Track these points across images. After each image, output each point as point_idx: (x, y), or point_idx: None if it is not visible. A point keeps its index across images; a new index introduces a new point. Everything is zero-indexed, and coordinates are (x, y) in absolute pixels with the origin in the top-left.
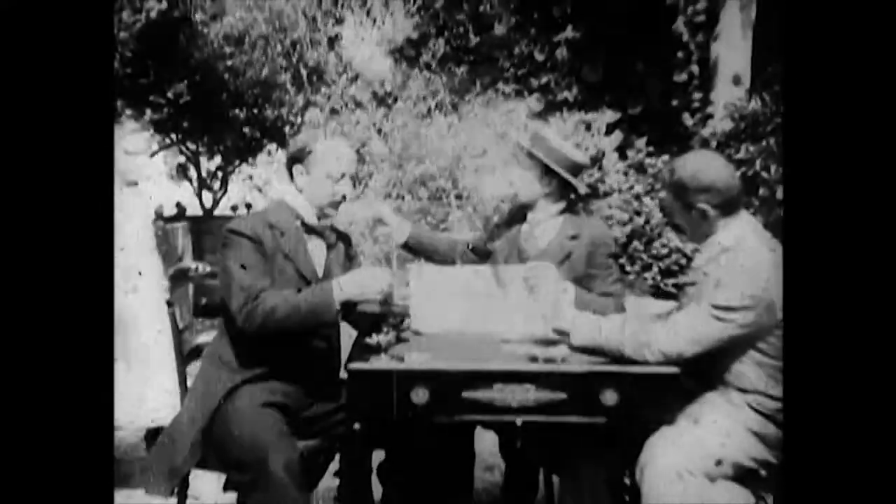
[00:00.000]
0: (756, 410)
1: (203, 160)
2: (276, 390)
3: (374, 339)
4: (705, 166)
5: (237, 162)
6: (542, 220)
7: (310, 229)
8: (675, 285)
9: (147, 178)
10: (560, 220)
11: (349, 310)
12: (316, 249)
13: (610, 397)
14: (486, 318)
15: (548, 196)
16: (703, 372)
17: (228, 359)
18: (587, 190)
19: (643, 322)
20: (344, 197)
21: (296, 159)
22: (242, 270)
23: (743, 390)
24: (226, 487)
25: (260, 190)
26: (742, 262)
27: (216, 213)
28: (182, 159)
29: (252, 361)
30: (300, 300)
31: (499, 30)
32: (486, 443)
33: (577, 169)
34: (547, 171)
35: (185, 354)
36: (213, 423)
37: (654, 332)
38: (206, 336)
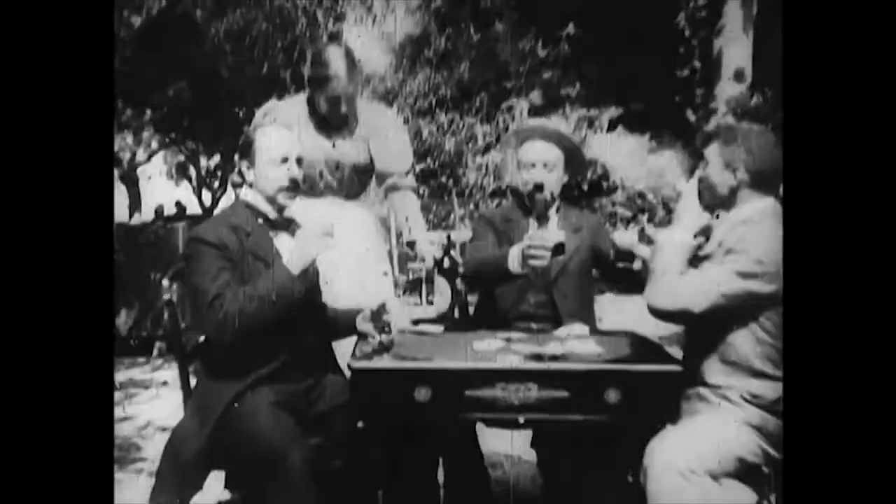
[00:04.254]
0: (753, 404)
1: (203, 159)
2: (280, 391)
3: (376, 338)
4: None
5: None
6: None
7: (273, 224)
8: (695, 258)
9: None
10: (559, 214)
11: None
12: (283, 245)
13: (613, 396)
14: None
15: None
16: (700, 337)
17: (219, 373)
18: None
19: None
20: (294, 181)
21: (242, 156)
22: (210, 282)
23: (732, 363)
24: (227, 485)
25: None
26: (754, 235)
27: (216, 211)
28: (182, 158)
29: (238, 369)
30: (262, 290)
31: (500, 26)
32: (492, 440)
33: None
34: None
35: (188, 354)
36: (220, 427)
37: (668, 283)
38: None
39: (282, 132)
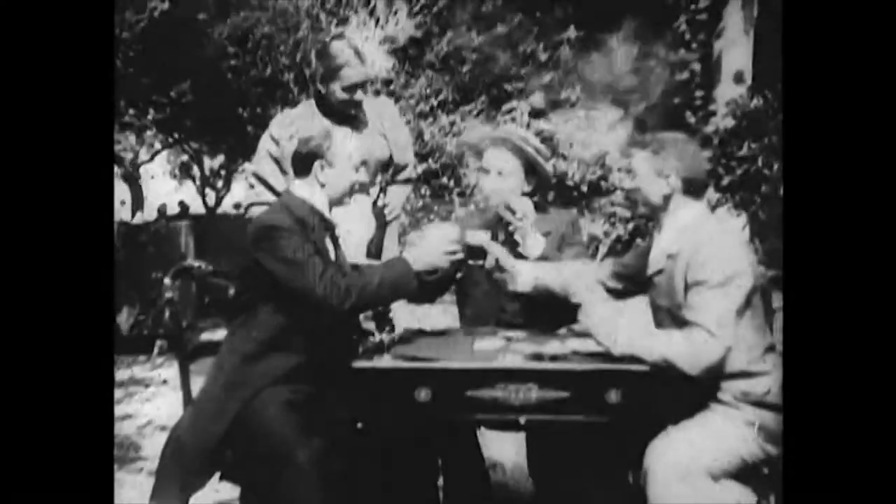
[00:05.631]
0: (747, 402)
1: (206, 159)
2: (294, 391)
3: (377, 338)
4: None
5: (240, 160)
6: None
7: (327, 225)
8: (641, 281)
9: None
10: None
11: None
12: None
13: (613, 396)
14: None
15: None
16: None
17: (252, 354)
18: (553, 178)
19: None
20: (360, 185)
21: (314, 155)
22: (312, 256)
23: (729, 376)
24: (223, 478)
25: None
26: (709, 235)
27: (219, 211)
28: (185, 158)
29: (278, 347)
30: (384, 274)
31: (501, 29)
32: (492, 441)
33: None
34: (528, 166)
35: (189, 353)
36: (236, 422)
37: (690, 345)
38: (210, 334)
39: (358, 137)
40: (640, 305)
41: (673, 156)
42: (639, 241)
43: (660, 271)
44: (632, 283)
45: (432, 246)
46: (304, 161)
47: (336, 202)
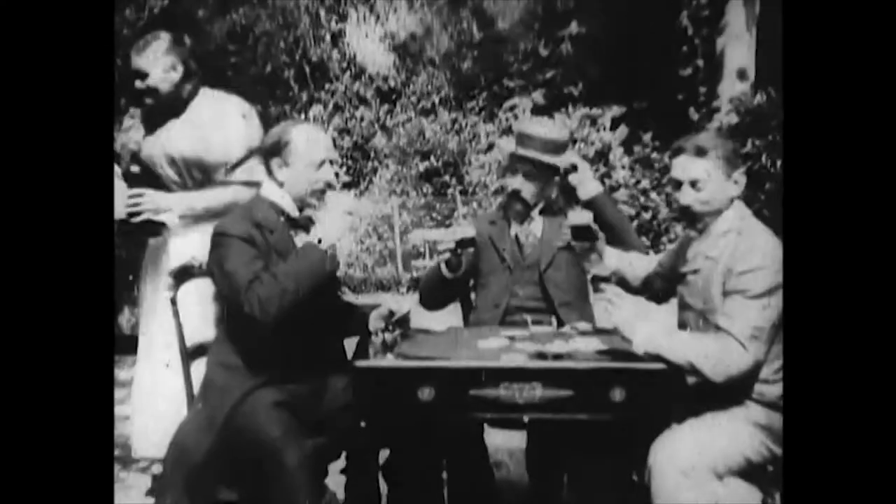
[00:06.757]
0: (757, 402)
1: None
2: (285, 390)
3: (379, 337)
4: None
5: None
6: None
7: (294, 223)
8: (673, 278)
9: None
10: (541, 221)
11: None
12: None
13: (618, 394)
14: None
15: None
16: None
17: (234, 364)
18: (574, 162)
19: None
20: (328, 184)
21: (272, 153)
22: (244, 268)
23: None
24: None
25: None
26: (753, 243)
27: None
28: None
29: (259, 364)
30: (297, 267)
31: (502, 25)
32: (496, 439)
33: (560, 147)
34: (537, 167)
35: (190, 353)
36: (226, 428)
37: (718, 352)
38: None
39: (323, 135)
40: (667, 307)
41: (736, 158)
42: (643, 239)
43: (696, 271)
44: (664, 280)
45: (334, 218)
46: (266, 159)
47: (300, 202)
